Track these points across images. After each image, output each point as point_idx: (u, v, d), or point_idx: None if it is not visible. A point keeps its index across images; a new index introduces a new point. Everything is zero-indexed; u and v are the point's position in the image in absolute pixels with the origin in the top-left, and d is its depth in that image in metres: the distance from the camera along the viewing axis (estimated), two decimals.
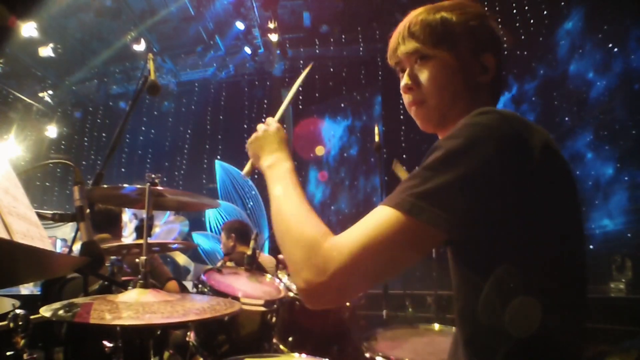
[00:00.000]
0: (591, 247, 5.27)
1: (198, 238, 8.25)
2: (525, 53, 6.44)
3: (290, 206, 0.92)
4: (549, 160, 0.81)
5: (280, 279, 2.09)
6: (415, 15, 1.01)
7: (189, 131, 9.61)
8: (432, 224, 0.75)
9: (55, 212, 1.28)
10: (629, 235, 4.99)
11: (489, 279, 0.81)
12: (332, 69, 8.79)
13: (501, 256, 0.80)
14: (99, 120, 9.93)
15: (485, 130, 0.78)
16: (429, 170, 0.78)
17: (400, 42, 1.02)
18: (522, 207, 0.78)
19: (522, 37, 6.36)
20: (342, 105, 8.80)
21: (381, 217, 0.78)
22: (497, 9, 6.59)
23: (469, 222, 0.77)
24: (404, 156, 7.02)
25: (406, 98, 1.03)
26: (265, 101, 9.28)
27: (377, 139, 2.62)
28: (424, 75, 0.99)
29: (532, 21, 6.30)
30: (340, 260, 0.77)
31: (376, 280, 0.81)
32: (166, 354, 2.22)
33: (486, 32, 1.01)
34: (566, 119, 5.90)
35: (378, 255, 0.77)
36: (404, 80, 1.02)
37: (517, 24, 6.38)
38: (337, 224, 8.33)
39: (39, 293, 3.21)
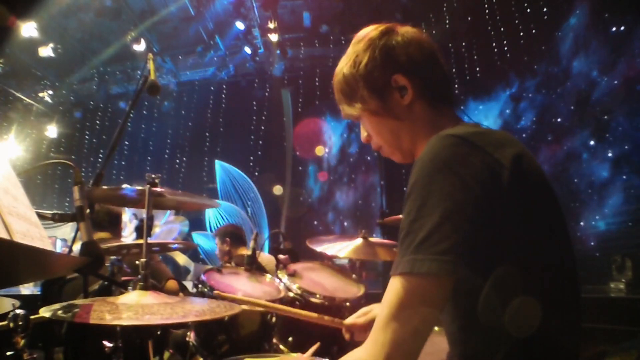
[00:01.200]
0: (591, 247, 5.26)
1: (198, 238, 8.24)
2: (526, 51, 6.44)
3: None
4: (521, 171, 0.81)
5: (280, 279, 2.08)
6: (333, 80, 1.10)
7: (189, 131, 9.60)
8: (434, 273, 0.75)
9: (55, 212, 1.28)
10: (628, 235, 4.99)
11: (483, 288, 0.81)
12: (332, 69, 8.78)
13: (489, 266, 0.80)
14: (98, 120, 9.91)
15: (445, 159, 0.80)
16: (415, 222, 0.79)
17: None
18: (503, 218, 0.78)
19: (522, 34, 6.36)
20: None
21: (394, 289, 0.79)
22: (496, 7, 6.58)
23: (469, 251, 0.76)
24: None
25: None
26: (266, 101, 9.27)
27: None
28: (368, 129, 1.10)
29: (532, 20, 6.29)
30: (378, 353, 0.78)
31: (417, 347, 0.80)
32: (166, 354, 2.21)
33: (382, 59, 1.00)
34: (559, 119, 5.90)
35: (405, 326, 0.77)
36: (361, 135, 1.15)
37: (517, 21, 6.38)
38: (335, 221, 8.37)
39: (39, 293, 3.20)
